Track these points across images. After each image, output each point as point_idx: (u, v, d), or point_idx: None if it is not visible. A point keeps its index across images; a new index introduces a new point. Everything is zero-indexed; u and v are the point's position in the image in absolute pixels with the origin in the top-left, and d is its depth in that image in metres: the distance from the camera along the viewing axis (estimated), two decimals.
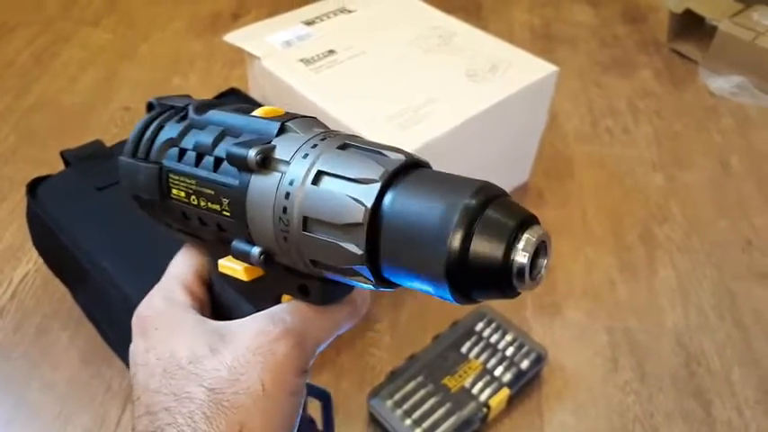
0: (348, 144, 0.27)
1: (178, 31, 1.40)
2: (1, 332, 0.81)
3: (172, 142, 0.31)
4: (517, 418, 0.75)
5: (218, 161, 0.29)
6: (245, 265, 0.30)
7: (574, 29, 1.47)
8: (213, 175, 0.29)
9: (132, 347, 0.31)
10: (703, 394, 0.77)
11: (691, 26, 1.36)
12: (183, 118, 0.32)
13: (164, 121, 0.32)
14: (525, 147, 1.00)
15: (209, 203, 0.29)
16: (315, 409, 0.42)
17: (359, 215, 0.24)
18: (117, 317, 0.69)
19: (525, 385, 0.75)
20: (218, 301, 0.34)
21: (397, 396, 0.72)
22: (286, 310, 0.30)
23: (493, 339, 0.78)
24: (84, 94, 1.21)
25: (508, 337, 0.78)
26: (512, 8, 1.53)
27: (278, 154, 0.27)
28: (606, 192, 1.05)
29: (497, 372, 0.75)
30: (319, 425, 0.42)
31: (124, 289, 0.65)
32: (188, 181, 0.30)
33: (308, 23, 0.96)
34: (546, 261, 0.24)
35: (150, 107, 0.34)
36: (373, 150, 0.26)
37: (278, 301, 0.31)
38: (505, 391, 0.73)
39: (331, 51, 0.90)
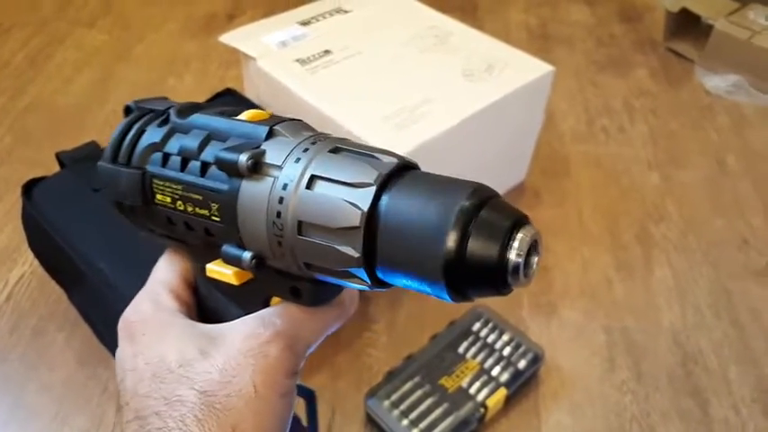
0: (339, 148, 0.27)
1: (173, 32, 1.40)
2: None
3: (155, 147, 0.30)
4: (514, 417, 0.75)
5: (204, 166, 0.29)
6: (235, 269, 0.30)
7: (570, 28, 1.47)
8: (201, 180, 0.29)
9: (119, 353, 0.30)
10: (700, 393, 0.77)
11: (687, 25, 1.36)
12: (165, 122, 0.31)
13: (144, 124, 0.32)
14: (522, 146, 1.00)
15: (196, 208, 0.29)
16: (299, 408, 0.42)
17: (355, 219, 0.24)
18: (113, 318, 0.68)
19: (522, 385, 0.75)
20: (205, 305, 0.33)
21: (395, 396, 0.72)
22: (276, 313, 0.29)
23: (490, 339, 0.78)
24: (80, 96, 1.20)
25: (505, 337, 0.78)
26: (508, 8, 1.53)
27: (269, 158, 0.27)
28: (602, 191, 1.05)
29: (494, 372, 0.75)
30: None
31: (120, 290, 0.65)
32: (174, 186, 0.29)
33: (304, 24, 0.96)
34: (537, 259, 0.24)
35: (128, 111, 0.33)
36: (366, 154, 0.26)
37: (267, 304, 0.31)
38: (503, 391, 0.73)
39: (327, 52, 0.90)
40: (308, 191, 0.25)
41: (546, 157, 1.09)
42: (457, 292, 0.24)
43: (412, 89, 0.83)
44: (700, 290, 0.90)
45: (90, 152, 0.78)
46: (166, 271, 0.33)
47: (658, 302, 0.88)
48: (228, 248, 0.28)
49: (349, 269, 0.25)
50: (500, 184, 1.01)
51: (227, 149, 0.27)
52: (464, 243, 0.23)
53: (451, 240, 0.23)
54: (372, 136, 0.76)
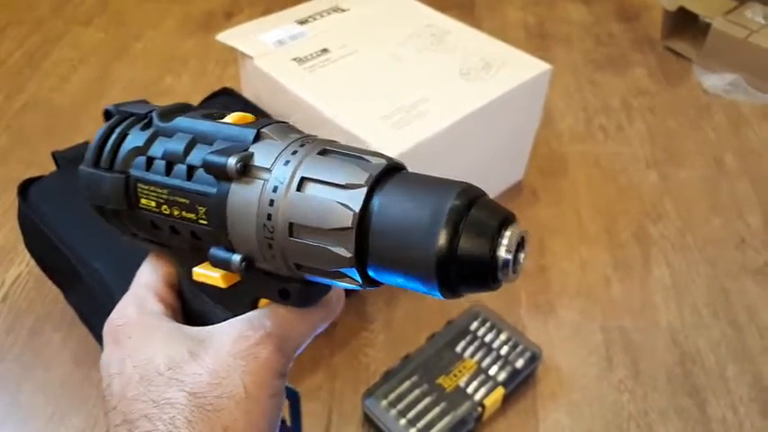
0: (328, 150, 0.27)
1: (171, 31, 1.40)
2: None
3: (138, 151, 0.30)
4: (512, 417, 0.75)
5: (191, 169, 0.29)
6: (222, 271, 0.30)
7: (568, 27, 1.47)
8: (187, 184, 0.28)
9: (104, 357, 0.30)
10: (698, 392, 0.77)
11: (684, 24, 1.36)
12: (148, 125, 0.31)
13: (126, 128, 0.31)
14: (519, 145, 1.00)
15: (182, 212, 0.29)
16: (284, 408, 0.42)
17: (347, 220, 0.25)
18: None
19: (520, 384, 0.75)
20: (189, 309, 0.33)
21: (392, 396, 0.72)
22: (265, 315, 0.30)
23: (487, 338, 0.78)
24: (76, 95, 1.20)
25: (503, 337, 0.78)
26: (505, 6, 1.52)
27: (257, 161, 0.27)
28: (600, 190, 1.05)
29: (492, 371, 0.75)
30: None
31: (115, 290, 0.65)
32: (159, 190, 0.29)
33: (302, 22, 0.95)
34: (524, 255, 0.25)
35: (108, 114, 0.33)
36: (354, 156, 0.26)
37: (254, 306, 0.31)
38: (500, 391, 0.73)
39: (324, 50, 0.89)
40: (299, 193, 0.26)
41: (544, 156, 1.09)
42: (448, 288, 0.24)
43: (409, 88, 0.83)
44: (697, 289, 0.90)
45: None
46: (150, 275, 0.33)
47: (656, 301, 0.88)
48: (216, 251, 0.28)
49: (341, 269, 0.25)
50: (498, 183, 1.01)
51: (214, 153, 0.27)
52: (455, 241, 0.24)
53: (443, 239, 0.23)
54: (370, 135, 0.76)
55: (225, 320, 0.30)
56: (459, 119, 0.80)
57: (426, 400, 0.72)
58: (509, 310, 0.84)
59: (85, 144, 0.79)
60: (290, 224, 0.26)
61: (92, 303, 0.74)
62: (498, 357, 0.76)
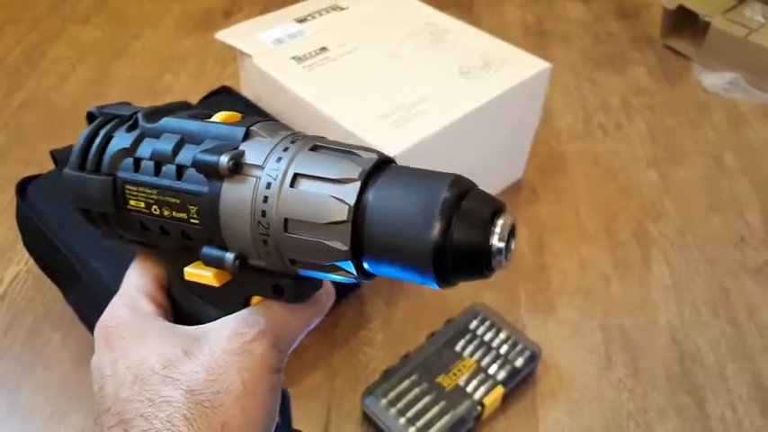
0: (318, 146, 0.27)
1: (169, 29, 1.40)
2: None
3: (125, 152, 0.30)
4: (512, 416, 0.75)
5: (180, 169, 0.29)
6: (215, 270, 0.30)
7: (566, 25, 1.47)
8: (178, 184, 0.28)
9: (95, 360, 0.30)
10: (697, 390, 0.77)
11: (684, 22, 1.36)
12: (133, 127, 0.31)
13: (111, 130, 0.31)
14: (519, 144, 1.00)
15: (173, 212, 0.29)
16: None
17: (342, 213, 0.25)
18: None
19: (520, 383, 0.75)
20: (180, 309, 0.33)
21: (391, 395, 0.72)
22: (259, 312, 0.30)
23: (487, 337, 0.78)
24: (75, 93, 1.20)
25: (502, 335, 0.78)
26: (504, 5, 1.52)
27: (249, 159, 0.27)
28: (600, 188, 1.05)
29: (491, 370, 0.75)
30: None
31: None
32: (148, 191, 0.29)
33: (300, 21, 0.95)
34: (515, 242, 0.26)
35: (91, 117, 0.32)
36: (346, 151, 0.27)
37: (247, 304, 0.31)
38: (500, 390, 0.73)
39: (323, 49, 0.89)
40: (293, 189, 0.26)
41: (543, 155, 1.09)
42: (443, 278, 0.25)
43: (409, 87, 0.83)
44: (697, 287, 0.90)
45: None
46: (139, 276, 0.33)
47: (655, 300, 0.88)
48: (209, 250, 0.28)
49: (336, 262, 0.26)
50: (497, 181, 1.01)
51: (205, 151, 0.27)
52: (450, 232, 0.24)
53: (438, 230, 0.24)
54: (369, 134, 0.76)
55: (217, 319, 0.30)
56: (459, 118, 0.80)
57: (426, 399, 0.72)
58: (508, 309, 0.84)
59: None
60: (285, 220, 0.26)
61: (91, 302, 0.73)
62: (498, 356, 0.76)
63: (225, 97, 0.92)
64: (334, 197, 0.25)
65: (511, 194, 1.02)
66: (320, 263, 0.26)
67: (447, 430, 0.69)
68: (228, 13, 1.45)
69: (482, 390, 0.73)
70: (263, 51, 0.89)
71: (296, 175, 0.26)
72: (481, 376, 0.74)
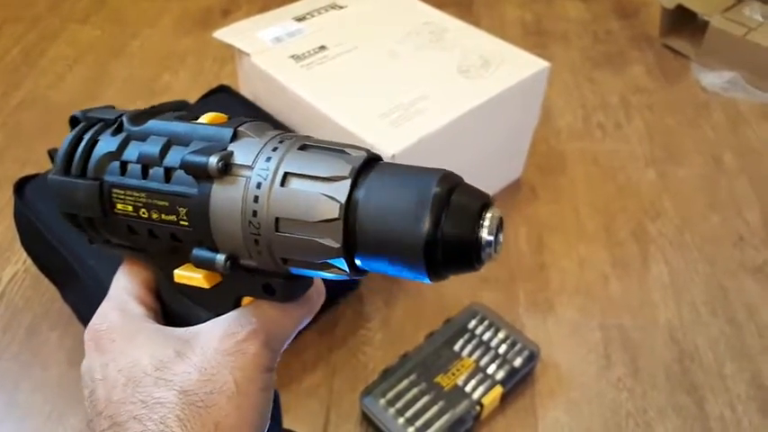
0: (307, 145, 0.27)
1: (167, 28, 1.39)
2: None
3: (111, 156, 0.30)
4: (510, 415, 0.74)
5: (168, 171, 0.28)
6: (205, 272, 0.30)
7: (566, 24, 1.46)
8: (166, 186, 0.28)
9: (85, 365, 0.30)
10: (696, 390, 0.77)
11: (683, 21, 1.36)
12: (118, 130, 0.31)
13: (96, 134, 0.31)
14: (518, 143, 1.00)
15: (162, 215, 0.29)
16: None
17: (334, 211, 0.25)
18: None
19: (518, 383, 0.75)
20: (170, 311, 0.33)
21: (390, 394, 0.72)
22: (251, 312, 0.30)
23: (486, 337, 0.78)
24: (73, 92, 1.20)
25: (501, 335, 0.78)
26: (503, 4, 1.52)
27: (238, 159, 0.27)
28: (599, 187, 1.05)
29: (490, 369, 0.75)
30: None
31: None
32: (136, 194, 0.29)
33: (299, 19, 0.95)
34: (502, 235, 0.26)
35: (75, 121, 0.32)
36: (335, 149, 0.27)
37: (237, 305, 0.31)
38: (498, 389, 0.73)
39: (322, 47, 0.89)
40: (283, 188, 0.26)
41: (542, 154, 1.09)
42: (435, 272, 0.25)
43: (408, 85, 0.83)
44: (696, 287, 0.89)
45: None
46: (128, 280, 0.33)
47: (654, 299, 0.88)
48: (199, 252, 0.28)
49: (328, 260, 0.26)
50: (496, 180, 1.01)
51: (193, 153, 0.27)
52: (440, 226, 0.25)
53: (429, 224, 0.24)
54: (367, 133, 0.75)
55: (207, 321, 0.30)
56: (458, 116, 0.80)
57: (424, 399, 0.72)
58: (507, 309, 0.84)
59: None
60: (277, 219, 0.26)
61: (89, 302, 0.73)
62: (497, 356, 0.76)
63: (223, 96, 0.92)
64: (326, 195, 0.25)
65: (510, 193, 1.02)
66: (312, 261, 0.26)
67: (446, 430, 0.69)
68: (227, 11, 1.45)
69: (481, 389, 0.73)
70: (262, 50, 0.89)
71: (286, 174, 0.26)
72: (480, 376, 0.74)
